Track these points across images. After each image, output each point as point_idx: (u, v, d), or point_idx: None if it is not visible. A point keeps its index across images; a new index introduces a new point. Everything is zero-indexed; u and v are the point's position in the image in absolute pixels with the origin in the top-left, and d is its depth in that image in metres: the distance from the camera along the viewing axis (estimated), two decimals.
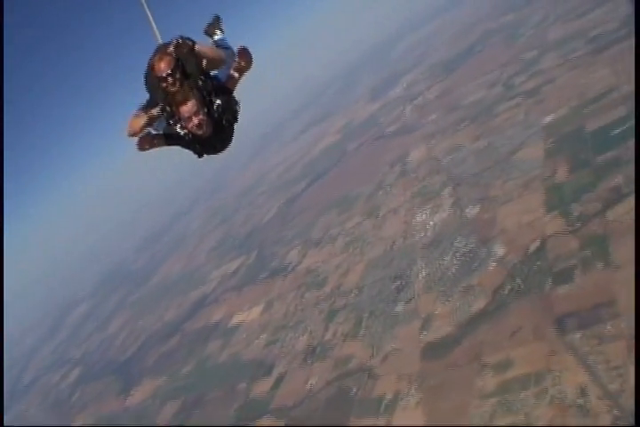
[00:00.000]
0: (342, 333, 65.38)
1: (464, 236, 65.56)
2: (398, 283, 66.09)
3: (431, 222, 74.17)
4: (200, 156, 9.79)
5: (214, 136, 9.20)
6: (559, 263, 49.96)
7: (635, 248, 39.79)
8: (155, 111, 9.15)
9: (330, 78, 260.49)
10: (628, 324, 38.47)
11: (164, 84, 8.54)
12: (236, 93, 9.82)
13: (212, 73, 9.67)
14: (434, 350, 52.15)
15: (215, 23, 11.01)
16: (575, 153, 65.17)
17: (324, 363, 62.71)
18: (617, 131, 63.01)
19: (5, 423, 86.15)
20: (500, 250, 58.48)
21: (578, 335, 41.36)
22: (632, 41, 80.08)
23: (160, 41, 9.18)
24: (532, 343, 44.03)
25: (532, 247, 54.77)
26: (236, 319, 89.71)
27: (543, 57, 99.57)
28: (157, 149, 9.66)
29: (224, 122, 9.23)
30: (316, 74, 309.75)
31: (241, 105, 9.48)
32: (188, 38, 8.94)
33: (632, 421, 30.06)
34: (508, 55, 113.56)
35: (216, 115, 9.02)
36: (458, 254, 63.18)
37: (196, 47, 8.86)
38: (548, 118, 77.64)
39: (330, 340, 65.85)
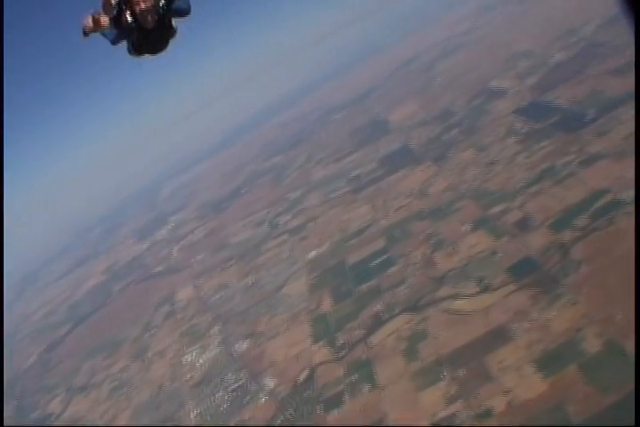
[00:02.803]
0: None
1: (234, 372, 65.63)
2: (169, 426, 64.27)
3: (200, 361, 73.53)
4: (136, 50, 10.37)
5: (155, 32, 10.11)
6: (328, 390, 51.65)
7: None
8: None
9: (95, 219, 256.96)
10: None
11: None
12: None
13: None
14: None
15: None
16: (337, 285, 70.10)
17: None
18: (375, 262, 69.78)
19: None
20: (270, 383, 59.13)
21: None
22: (388, 178, 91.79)
23: None
24: None
25: (302, 377, 56.18)
26: None
27: (307, 196, 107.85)
28: (100, 31, 10.51)
29: (166, 20, 10.13)
30: (80, 214, 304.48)
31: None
32: None
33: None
34: (273, 195, 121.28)
35: (160, 11, 9.97)
36: (229, 391, 62.66)
37: None
38: (312, 254, 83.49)
39: None
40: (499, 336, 44.22)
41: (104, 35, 10.45)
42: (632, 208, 49.22)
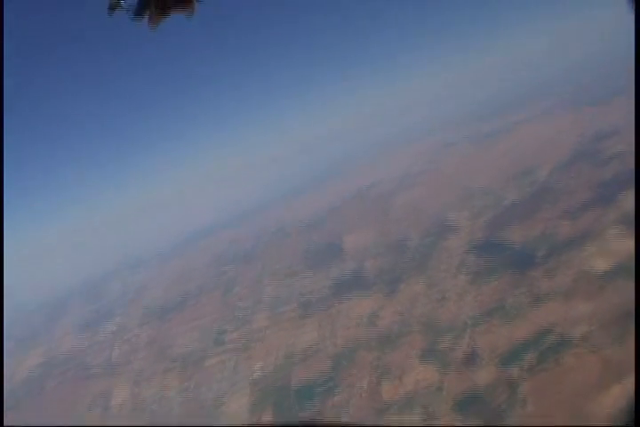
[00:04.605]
0: None
1: None
2: None
3: None
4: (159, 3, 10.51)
5: None
6: None
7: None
8: None
9: (33, 307, 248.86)
10: None
11: None
12: None
13: None
14: None
15: None
16: (279, 408, 69.40)
17: None
18: (320, 388, 68.89)
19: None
20: None
21: None
22: (338, 304, 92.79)
23: None
24: None
25: None
26: None
27: (255, 315, 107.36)
28: None
29: None
30: (18, 300, 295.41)
31: None
32: None
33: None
34: (220, 311, 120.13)
35: None
36: None
37: None
38: (256, 374, 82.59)
39: None
40: None
41: (126, 9, 10.29)
42: (579, 349, 51.26)
